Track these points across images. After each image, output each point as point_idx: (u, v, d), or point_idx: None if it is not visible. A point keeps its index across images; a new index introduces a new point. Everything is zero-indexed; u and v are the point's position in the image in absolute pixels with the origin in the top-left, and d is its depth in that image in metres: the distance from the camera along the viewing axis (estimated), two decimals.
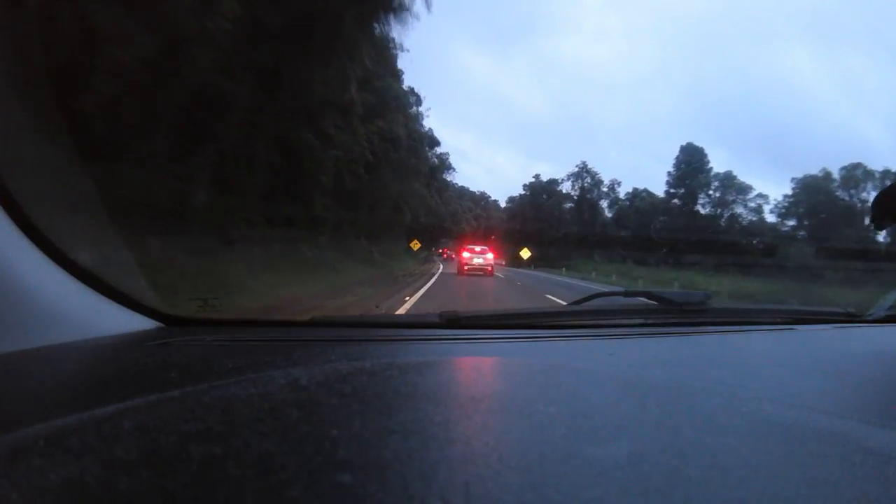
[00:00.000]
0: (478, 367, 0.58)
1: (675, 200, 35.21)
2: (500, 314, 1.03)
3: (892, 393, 0.71)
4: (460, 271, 14.37)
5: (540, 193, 40.46)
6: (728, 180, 34.85)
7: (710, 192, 34.67)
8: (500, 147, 77.76)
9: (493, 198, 50.38)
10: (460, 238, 32.13)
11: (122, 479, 0.24)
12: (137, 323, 0.81)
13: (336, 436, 0.28)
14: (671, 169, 35.79)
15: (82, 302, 0.75)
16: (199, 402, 0.35)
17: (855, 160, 30.92)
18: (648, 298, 1.11)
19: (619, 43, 67.30)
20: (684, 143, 36.11)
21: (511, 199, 44.06)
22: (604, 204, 39.07)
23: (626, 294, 1.38)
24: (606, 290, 2.10)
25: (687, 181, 34.95)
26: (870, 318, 1.19)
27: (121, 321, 0.79)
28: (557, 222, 36.28)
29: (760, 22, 54.10)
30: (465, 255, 15.28)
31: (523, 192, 42.40)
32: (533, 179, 42.56)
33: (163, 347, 0.70)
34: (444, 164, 33.78)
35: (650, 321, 1.04)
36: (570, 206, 39.00)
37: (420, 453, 0.27)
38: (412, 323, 1.00)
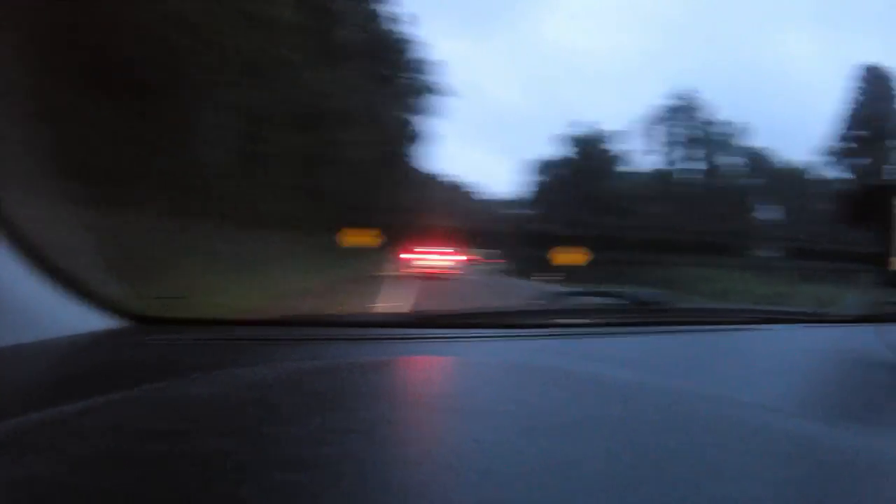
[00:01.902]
0: (441, 365, 0.57)
1: (854, 159, 19.04)
2: (468, 313, 1.03)
3: (858, 394, 0.71)
4: (421, 273, 11.11)
5: (590, 155, 21.81)
6: None
7: None
8: (477, 142, 64.00)
9: (482, 188, 34.67)
10: (448, 234, 18.62)
11: (78, 477, 0.24)
12: (105, 321, 0.80)
13: (292, 434, 0.29)
14: (853, 105, 19.59)
15: (50, 300, 0.74)
16: (160, 401, 0.36)
17: None
18: (613, 298, 1.15)
19: (605, 29, 53.29)
20: (867, 64, 19.92)
21: (543, 168, 23.57)
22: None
23: (593, 294, 1.40)
24: (572, 289, 2.21)
25: (870, 127, 19.00)
26: (837, 319, 1.20)
27: (89, 319, 0.78)
28: (639, 203, 18.96)
29: (760, 6, 41.26)
30: (428, 256, 11.60)
31: (557, 158, 22.98)
32: (579, 133, 22.73)
33: (130, 346, 0.72)
34: (426, 72, 17.65)
35: (616, 321, 1.06)
36: (658, 174, 20.60)
37: (376, 452, 0.27)
38: (380, 322, 1.03)
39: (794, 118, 32.05)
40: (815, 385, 0.72)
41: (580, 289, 2.27)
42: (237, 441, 0.27)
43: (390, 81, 15.29)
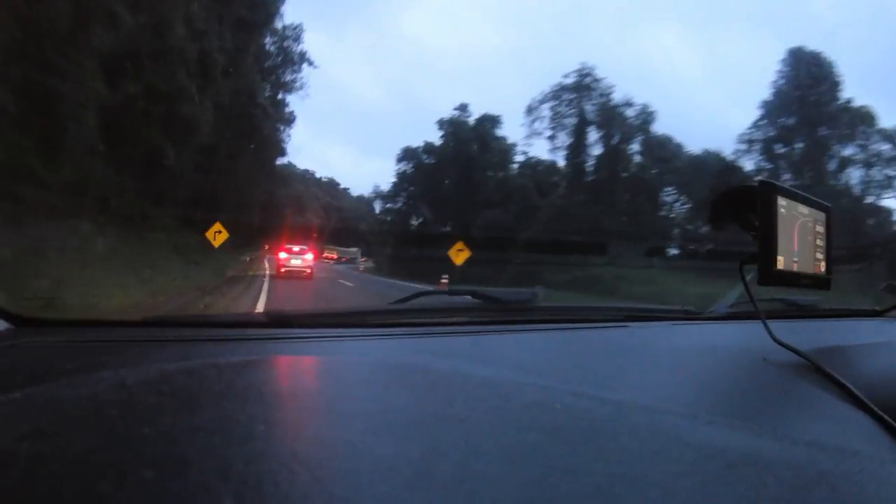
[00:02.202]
0: (294, 365, 0.59)
1: (781, 147, 17.92)
2: (326, 313, 1.04)
3: (731, 389, 0.73)
4: (278, 273, 12.31)
5: (469, 142, 19.23)
6: (864, 118, 17.88)
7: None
8: (333, 140, 62.58)
9: (342, 185, 33.41)
10: (307, 235, 18.38)
11: None
12: None
13: (146, 434, 0.29)
14: (768, 96, 18.21)
15: None
16: (30, 405, 0.37)
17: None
18: (474, 297, 1.11)
19: (466, 24, 55.51)
20: (793, 47, 18.68)
21: (418, 162, 20.57)
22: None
23: (452, 293, 1.44)
24: (436, 289, 2.39)
25: (797, 114, 18.04)
26: (707, 316, 1.19)
27: None
28: (531, 196, 16.80)
29: (636, 4, 42.09)
30: (283, 255, 13.12)
31: (428, 144, 20.11)
32: (457, 112, 20.29)
33: (5, 349, 0.72)
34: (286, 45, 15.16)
35: (476, 319, 1.05)
36: (555, 164, 18.15)
37: (220, 450, 0.28)
38: (239, 322, 1.02)
39: (698, 110, 31.18)
40: (687, 381, 0.72)
41: (445, 289, 2.30)
42: (98, 441, 0.29)
43: (249, 31, 12.35)
